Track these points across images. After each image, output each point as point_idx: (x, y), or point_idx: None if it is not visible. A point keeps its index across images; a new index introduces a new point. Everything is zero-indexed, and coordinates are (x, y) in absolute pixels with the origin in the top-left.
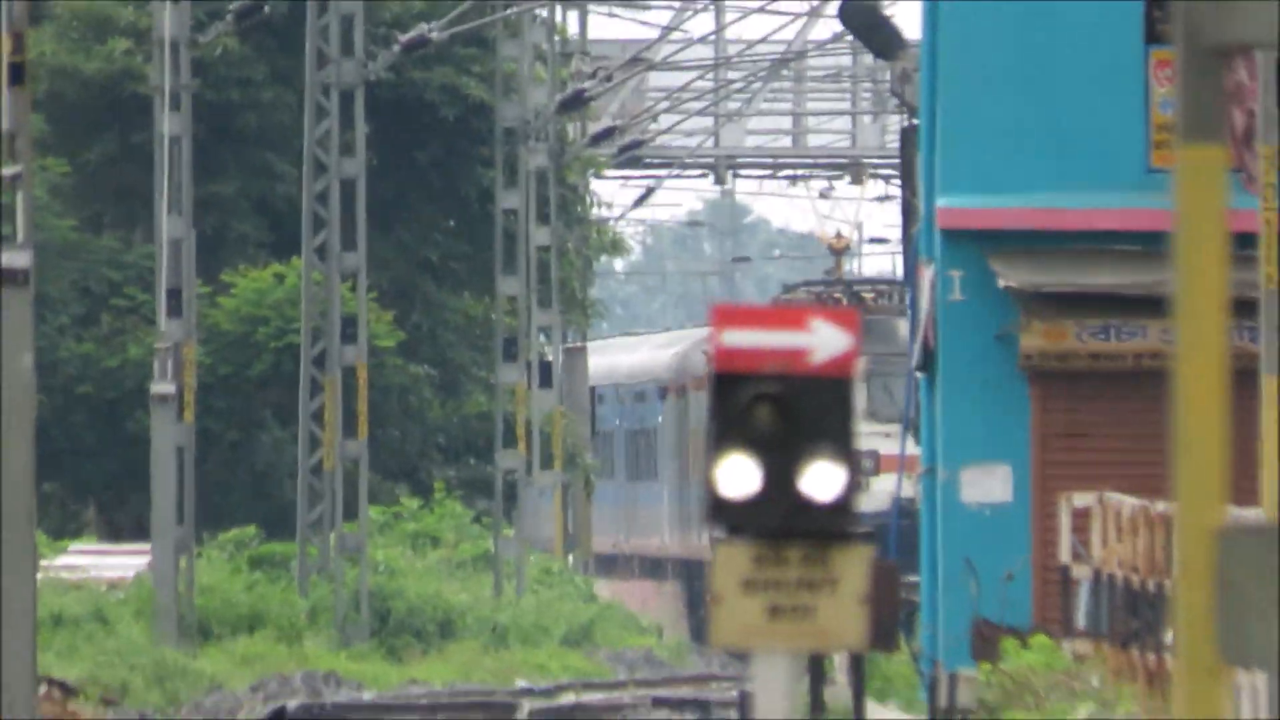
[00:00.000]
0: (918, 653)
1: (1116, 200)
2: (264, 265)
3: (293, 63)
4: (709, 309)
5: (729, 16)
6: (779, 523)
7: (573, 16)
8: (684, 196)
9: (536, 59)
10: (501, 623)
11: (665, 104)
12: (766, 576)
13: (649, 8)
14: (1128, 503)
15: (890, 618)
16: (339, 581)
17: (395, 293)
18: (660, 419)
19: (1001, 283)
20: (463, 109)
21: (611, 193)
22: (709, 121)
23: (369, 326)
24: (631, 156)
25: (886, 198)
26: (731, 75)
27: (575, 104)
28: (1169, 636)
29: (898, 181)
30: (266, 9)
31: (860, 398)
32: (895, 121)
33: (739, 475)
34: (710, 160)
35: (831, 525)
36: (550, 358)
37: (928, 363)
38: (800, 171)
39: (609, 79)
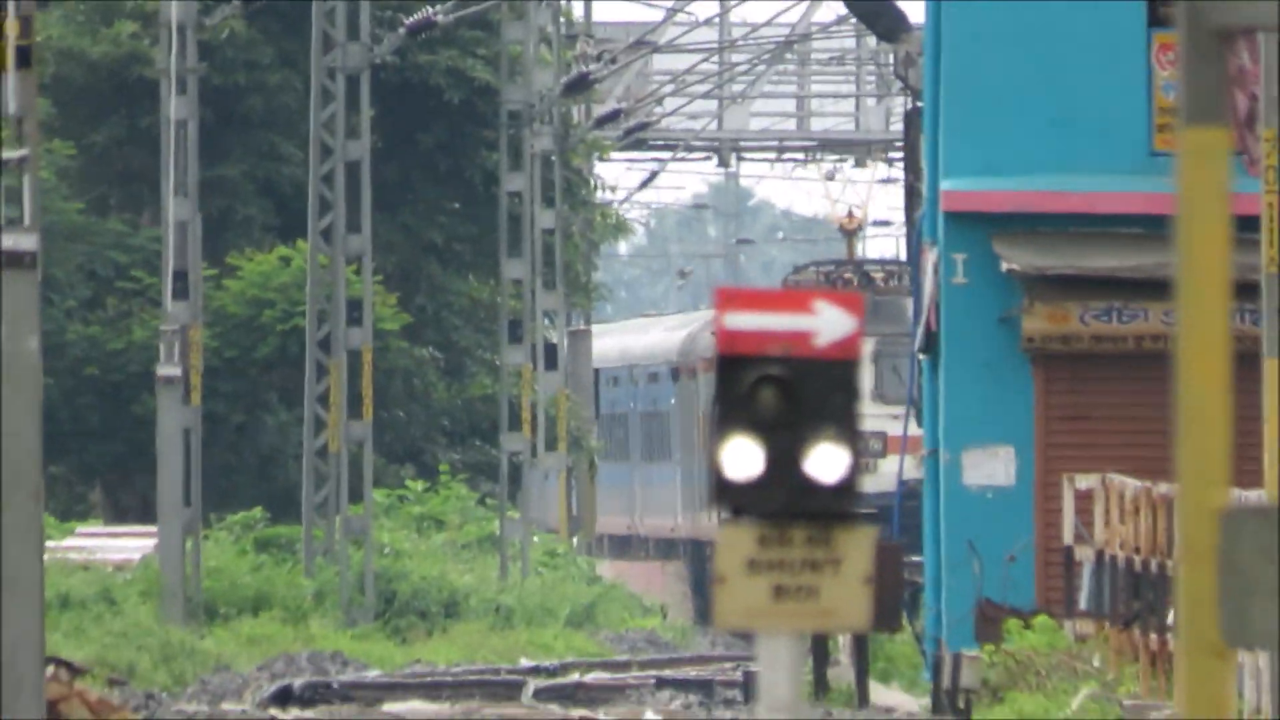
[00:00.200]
0: (921, 633)
1: (1119, 183)
2: (269, 248)
3: (298, 46)
4: (713, 291)
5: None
6: (783, 504)
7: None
8: (688, 179)
9: (541, 42)
10: (506, 604)
11: (670, 87)
12: (770, 557)
13: None
14: (1130, 484)
15: (894, 598)
16: (344, 563)
17: (400, 276)
18: (673, 401)
19: (1004, 265)
20: (468, 92)
21: (616, 175)
22: (713, 104)
23: (374, 309)
24: (636, 139)
25: (890, 180)
26: (736, 58)
27: (580, 87)
28: (1171, 617)
29: (901, 164)
30: None
31: (868, 379)
32: (899, 105)
33: (743, 457)
34: (714, 143)
35: (835, 506)
36: (555, 340)
37: (931, 345)
38: (804, 155)
39: (614, 62)
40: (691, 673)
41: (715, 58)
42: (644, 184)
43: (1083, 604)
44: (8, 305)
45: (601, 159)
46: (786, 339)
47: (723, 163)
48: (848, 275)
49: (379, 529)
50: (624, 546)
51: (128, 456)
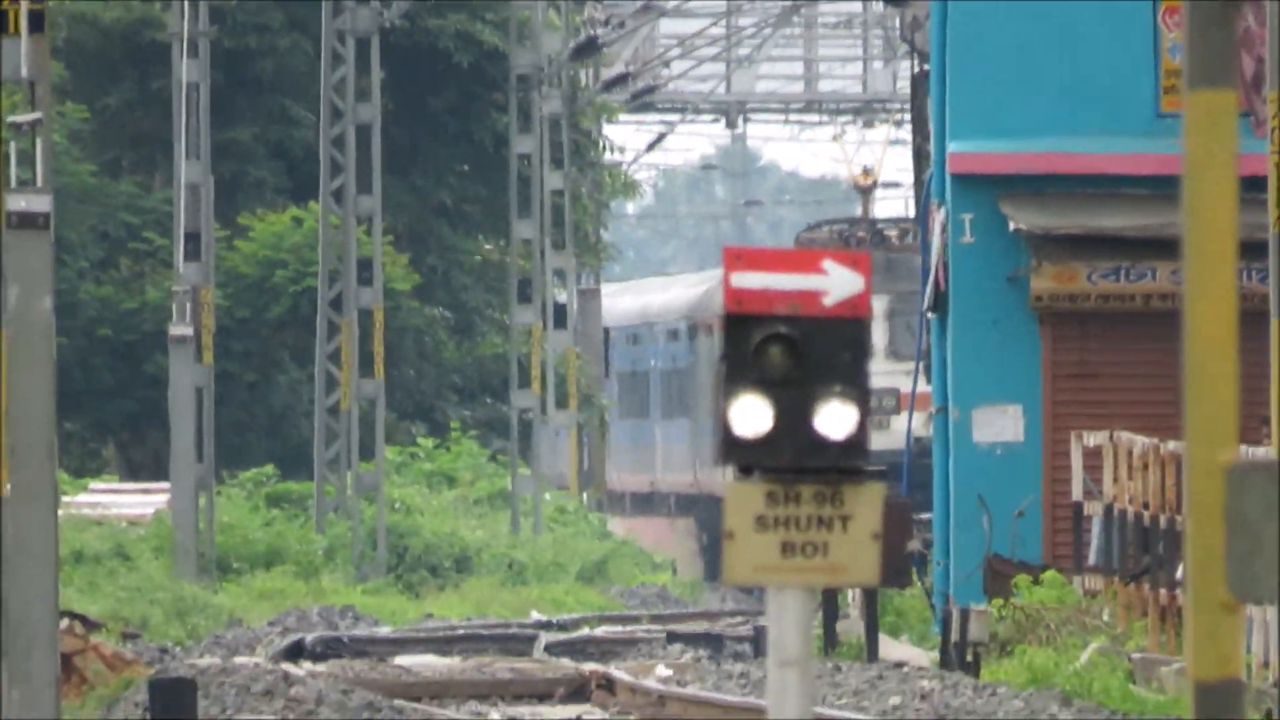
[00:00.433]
0: (930, 588)
1: (1126, 144)
2: (281, 209)
3: (309, 10)
4: (724, 250)
5: None
6: (791, 460)
7: None
8: (696, 141)
9: (550, 5)
10: (518, 559)
11: (677, 50)
12: (779, 513)
13: None
14: (1138, 441)
15: (902, 554)
16: (356, 519)
17: (411, 236)
18: (691, 358)
19: (1012, 225)
20: (477, 55)
21: (624, 137)
22: (721, 67)
23: (385, 269)
24: (644, 102)
25: (898, 142)
26: (743, 22)
27: (588, 50)
28: (1180, 571)
29: (909, 126)
30: None
31: (881, 336)
32: (906, 67)
33: (751, 414)
34: (722, 105)
35: (844, 462)
36: (564, 299)
37: (939, 304)
38: (812, 117)
39: (622, 25)
40: (701, 627)
41: (723, 21)
42: (651, 146)
43: (1092, 559)
44: (22, 266)
45: (610, 121)
46: (795, 298)
47: (730, 125)
48: (861, 234)
49: (390, 485)
50: (646, 503)
51: (141, 414)
